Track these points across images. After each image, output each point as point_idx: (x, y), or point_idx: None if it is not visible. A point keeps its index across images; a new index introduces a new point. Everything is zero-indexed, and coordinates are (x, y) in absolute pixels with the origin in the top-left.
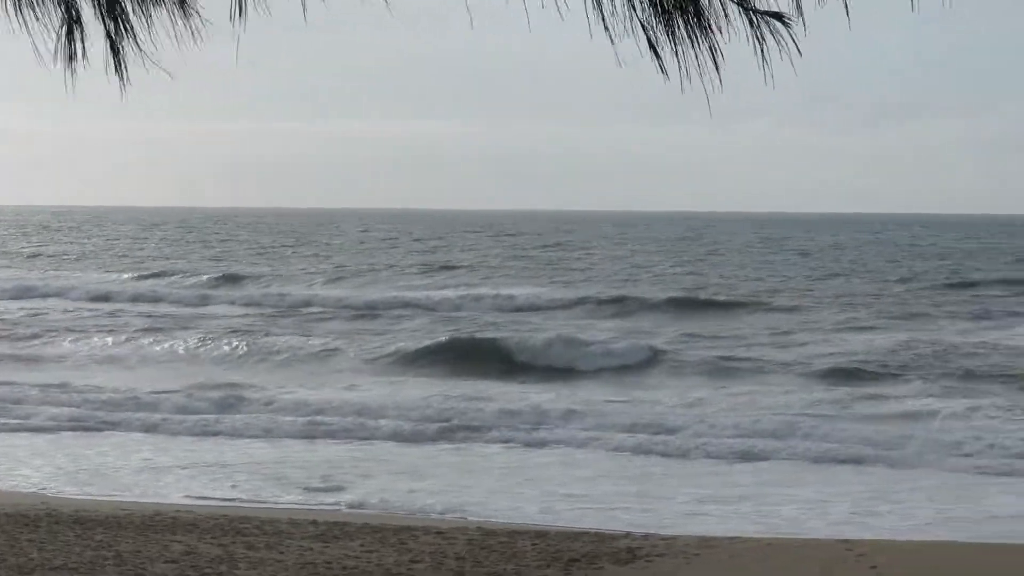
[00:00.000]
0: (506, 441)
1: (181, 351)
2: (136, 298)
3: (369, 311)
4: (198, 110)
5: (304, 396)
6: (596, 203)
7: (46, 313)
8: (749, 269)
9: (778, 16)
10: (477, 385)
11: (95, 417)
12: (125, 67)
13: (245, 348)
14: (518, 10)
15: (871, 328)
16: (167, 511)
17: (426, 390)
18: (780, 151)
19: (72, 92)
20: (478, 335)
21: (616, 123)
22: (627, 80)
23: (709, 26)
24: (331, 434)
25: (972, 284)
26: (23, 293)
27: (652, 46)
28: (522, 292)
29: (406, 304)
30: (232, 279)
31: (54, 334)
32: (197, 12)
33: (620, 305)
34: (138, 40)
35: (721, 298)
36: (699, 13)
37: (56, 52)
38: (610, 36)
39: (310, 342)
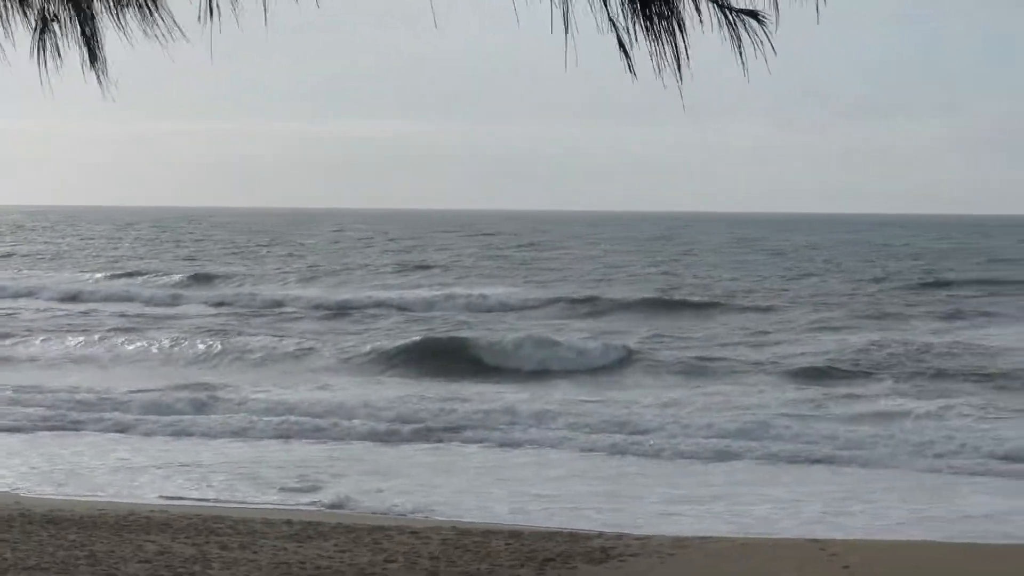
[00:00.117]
0: (480, 441)
1: (155, 351)
2: (110, 298)
3: (343, 311)
4: (172, 110)
5: (278, 396)
6: (570, 203)
7: (18, 313)
8: (723, 269)
9: (753, 14)
10: (451, 385)
11: (69, 417)
12: (101, 66)
13: (219, 348)
14: (488, 10)
15: (845, 328)
16: (141, 511)
17: (400, 390)
18: (754, 151)
19: (50, 91)
20: (452, 335)
21: (589, 123)
22: (603, 80)
23: (681, 25)
24: (305, 434)
25: (945, 284)
26: None
27: (621, 45)
28: (496, 292)
29: (380, 304)
30: (206, 279)
31: (27, 334)
32: (163, 16)
33: (594, 305)
34: (105, 41)
35: (695, 298)
36: (672, 11)
37: (33, 51)
38: (572, 35)
39: (284, 342)
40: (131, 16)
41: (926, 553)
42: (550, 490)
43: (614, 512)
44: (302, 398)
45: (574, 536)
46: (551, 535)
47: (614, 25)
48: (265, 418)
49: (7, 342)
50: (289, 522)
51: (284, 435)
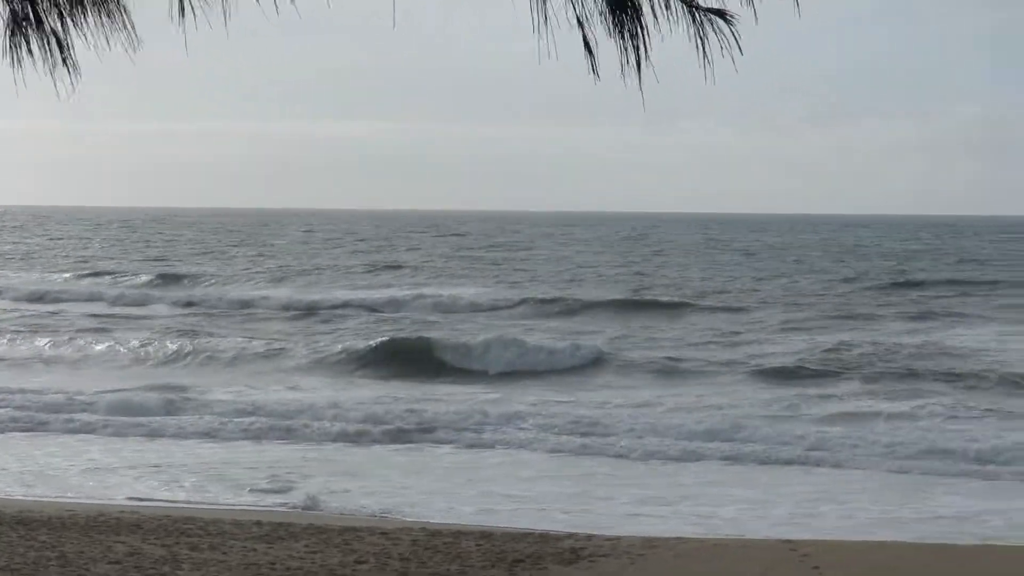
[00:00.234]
0: (450, 442)
1: (124, 352)
2: (78, 298)
3: (313, 311)
4: (141, 111)
5: (248, 397)
6: (540, 204)
7: None
8: (694, 269)
9: (721, 13)
10: (421, 386)
11: (38, 419)
12: (70, 66)
13: (190, 348)
14: (460, 11)
15: (815, 328)
16: (111, 512)
17: (371, 391)
18: (723, 152)
19: (23, 90)
20: (423, 336)
21: (559, 124)
22: (573, 80)
23: (640, 21)
24: (275, 435)
25: (916, 284)
26: None
27: (587, 45)
28: (466, 292)
29: (350, 304)
30: (175, 279)
31: None
32: (125, 20)
33: (564, 305)
34: (74, 43)
35: (666, 299)
36: (639, 10)
37: (4, 50)
38: (544, 32)
39: (254, 342)
40: (100, 17)
41: (897, 554)
42: (520, 491)
43: (584, 513)
44: (272, 399)
45: (544, 537)
46: (522, 536)
47: (581, 24)
48: (235, 419)
49: None
50: (259, 523)
51: (254, 436)
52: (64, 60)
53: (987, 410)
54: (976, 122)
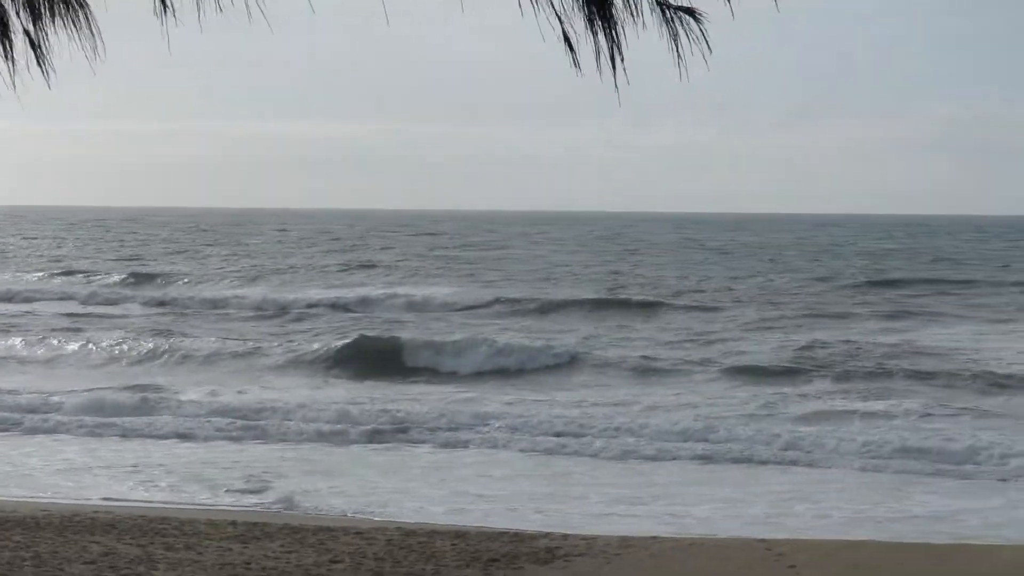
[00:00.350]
0: (425, 442)
1: (97, 351)
2: (50, 297)
3: (287, 310)
4: (116, 111)
5: (222, 396)
6: (514, 203)
7: None
8: (669, 269)
9: (690, 11)
10: (396, 386)
11: (11, 419)
12: (46, 67)
13: (164, 348)
14: (442, 10)
15: (790, 327)
16: (86, 512)
17: (346, 391)
18: (698, 152)
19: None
20: (396, 336)
21: (532, 124)
22: (547, 80)
23: (620, 21)
24: (249, 435)
25: (891, 283)
26: None
27: (566, 39)
28: (440, 292)
29: (324, 304)
30: (148, 278)
31: None
32: (92, 26)
33: (539, 305)
34: (48, 45)
35: (640, 298)
36: (611, 7)
37: None
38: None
39: (227, 342)
40: (68, 21)
41: (873, 553)
42: (495, 490)
43: (558, 512)
44: (247, 398)
45: (520, 536)
46: (497, 535)
47: (560, 20)
48: (210, 419)
49: None
50: (234, 523)
51: (228, 436)
52: (38, 61)
53: (962, 409)
54: (949, 122)
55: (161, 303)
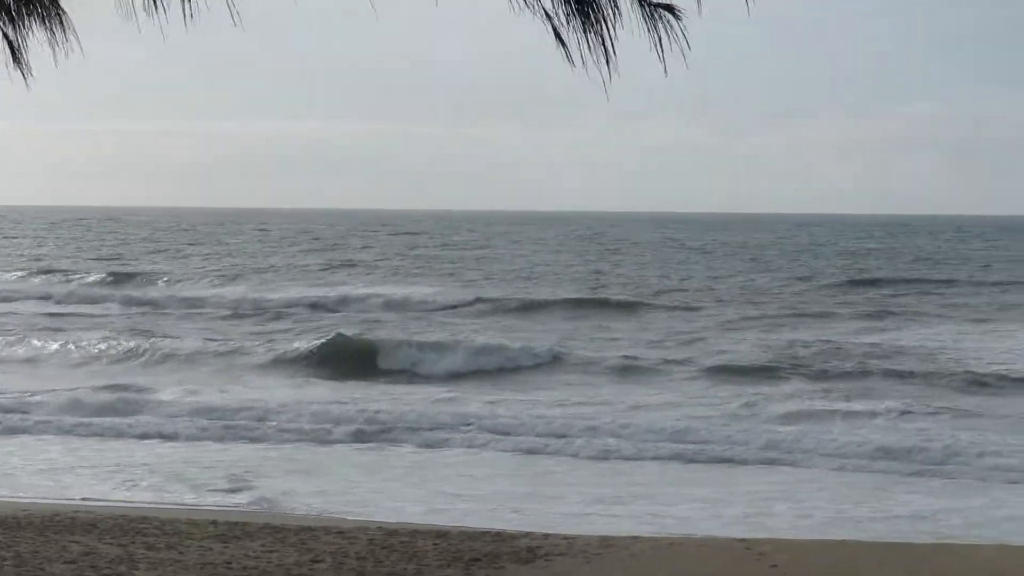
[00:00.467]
0: (407, 442)
1: (78, 351)
2: (30, 296)
3: (267, 310)
4: (97, 110)
5: (204, 396)
6: (496, 203)
7: None
8: (650, 268)
9: (669, 8)
10: (377, 386)
11: None
12: (24, 66)
13: (145, 348)
14: (427, 10)
15: (772, 327)
16: (66, 511)
17: (327, 391)
18: (675, 152)
19: None
20: (378, 335)
21: (513, 123)
22: (524, 79)
23: (601, 16)
24: (230, 435)
25: (872, 283)
26: None
27: (558, 35)
28: (421, 291)
29: (304, 303)
30: (128, 277)
31: None
32: (65, 29)
33: (520, 305)
34: (26, 45)
35: (622, 298)
36: (595, 4)
37: None
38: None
39: (208, 341)
40: (45, 22)
41: (855, 552)
42: (476, 490)
43: (539, 512)
44: (228, 398)
45: (501, 536)
46: (478, 535)
47: (549, 16)
48: (190, 418)
49: None
50: (215, 522)
51: (209, 436)
52: (16, 61)
53: (942, 408)
54: (929, 122)
55: (141, 302)
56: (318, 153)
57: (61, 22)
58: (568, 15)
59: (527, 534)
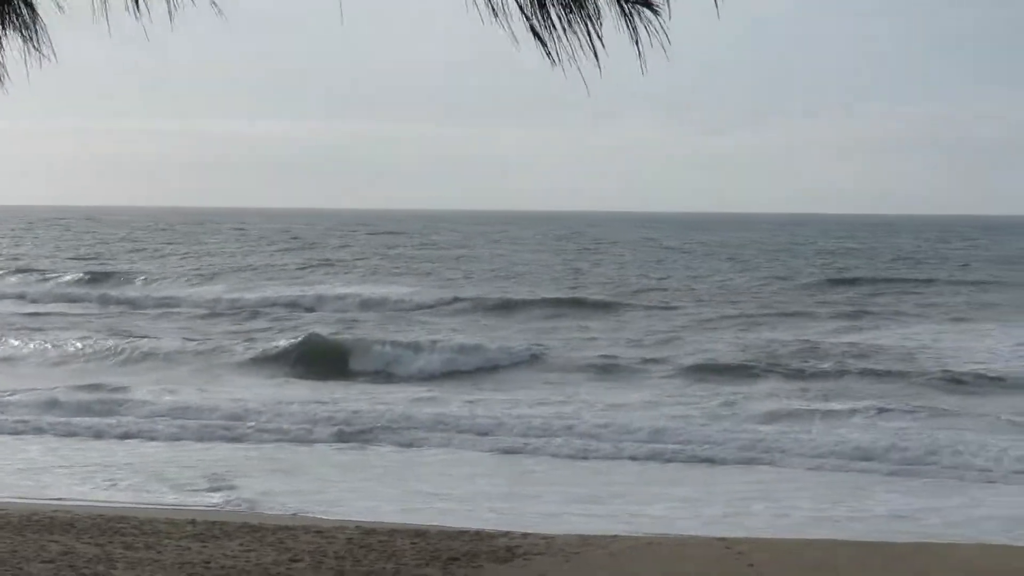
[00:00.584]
0: (386, 442)
1: (57, 351)
2: (6, 296)
3: (244, 309)
4: (74, 108)
5: (182, 396)
6: (475, 203)
7: None
8: (630, 268)
9: (647, 4)
10: (357, 386)
11: None
12: (2, 69)
13: (124, 347)
14: (400, 9)
15: (750, 326)
16: (44, 511)
17: (307, 390)
18: (660, 152)
19: None
20: (356, 336)
21: (488, 121)
22: (501, 78)
23: (587, 10)
24: (210, 434)
25: (851, 283)
26: None
27: (535, 32)
28: (400, 291)
29: (282, 303)
30: (106, 277)
31: None
32: (36, 35)
33: (500, 304)
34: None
35: (601, 297)
36: (575, 1)
37: None
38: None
39: (187, 341)
40: (16, 23)
41: (833, 552)
42: (455, 490)
43: (518, 511)
44: (206, 397)
45: (479, 535)
46: (457, 534)
47: (524, 14)
48: (168, 418)
49: None
50: (194, 522)
51: (187, 435)
52: None
53: (921, 407)
54: (911, 123)
55: (118, 301)
56: (297, 152)
57: (34, 24)
58: (546, 14)
59: (506, 533)
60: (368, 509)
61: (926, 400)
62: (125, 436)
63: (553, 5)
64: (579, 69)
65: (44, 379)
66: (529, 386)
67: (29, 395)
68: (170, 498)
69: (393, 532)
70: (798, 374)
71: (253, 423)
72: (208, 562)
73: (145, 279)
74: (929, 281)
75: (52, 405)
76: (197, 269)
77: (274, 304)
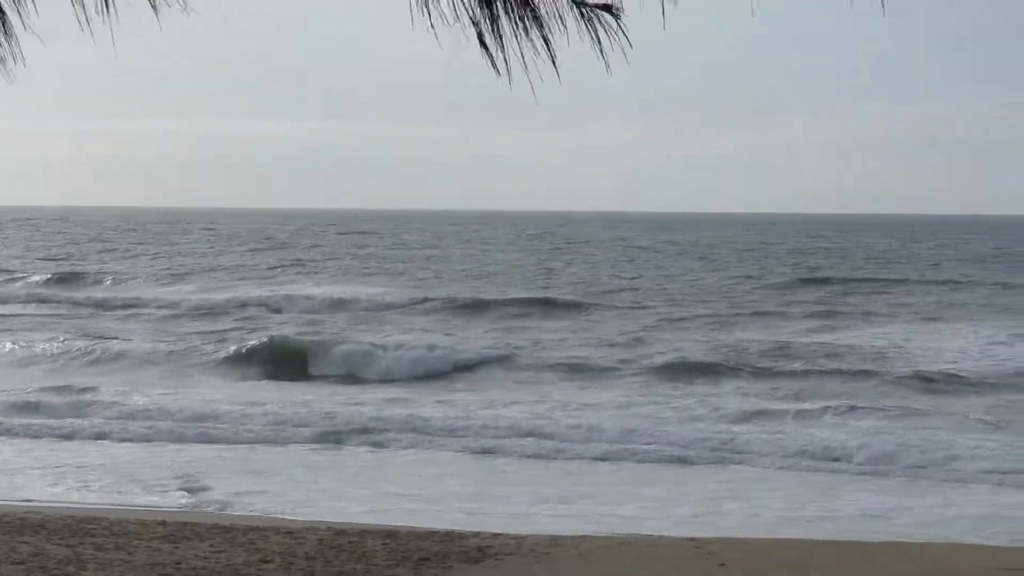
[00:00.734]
0: (357, 443)
1: (25, 352)
2: None
3: (215, 310)
4: (43, 108)
5: (153, 397)
6: (447, 203)
7: None
8: (601, 267)
9: (607, 8)
10: (328, 387)
11: None
12: None
13: (94, 348)
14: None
15: (721, 326)
16: (15, 512)
17: (278, 392)
18: (627, 152)
19: None
20: (326, 337)
21: (460, 121)
22: (472, 80)
23: (539, 18)
24: (182, 436)
25: (822, 282)
26: None
27: (481, 41)
28: (370, 291)
29: (252, 303)
30: (75, 277)
31: None
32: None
33: (470, 304)
34: None
35: (571, 297)
36: (529, 5)
37: None
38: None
39: (157, 342)
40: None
41: (805, 551)
42: (426, 491)
43: (489, 512)
44: (176, 398)
45: (450, 535)
46: (427, 535)
47: (473, 21)
48: (137, 420)
49: None
50: (164, 523)
51: (157, 437)
52: None
53: (892, 407)
54: (879, 122)
55: (88, 302)
56: (267, 153)
57: (3, 26)
58: (493, 21)
59: (476, 534)
60: (339, 510)
61: (897, 400)
62: (96, 437)
63: (507, 14)
64: (528, 80)
65: (13, 380)
66: (500, 386)
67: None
68: (141, 499)
69: (364, 533)
70: (769, 374)
71: (224, 424)
72: (179, 563)
73: (114, 279)
74: (901, 281)
75: (22, 406)
76: (168, 269)
77: (245, 304)
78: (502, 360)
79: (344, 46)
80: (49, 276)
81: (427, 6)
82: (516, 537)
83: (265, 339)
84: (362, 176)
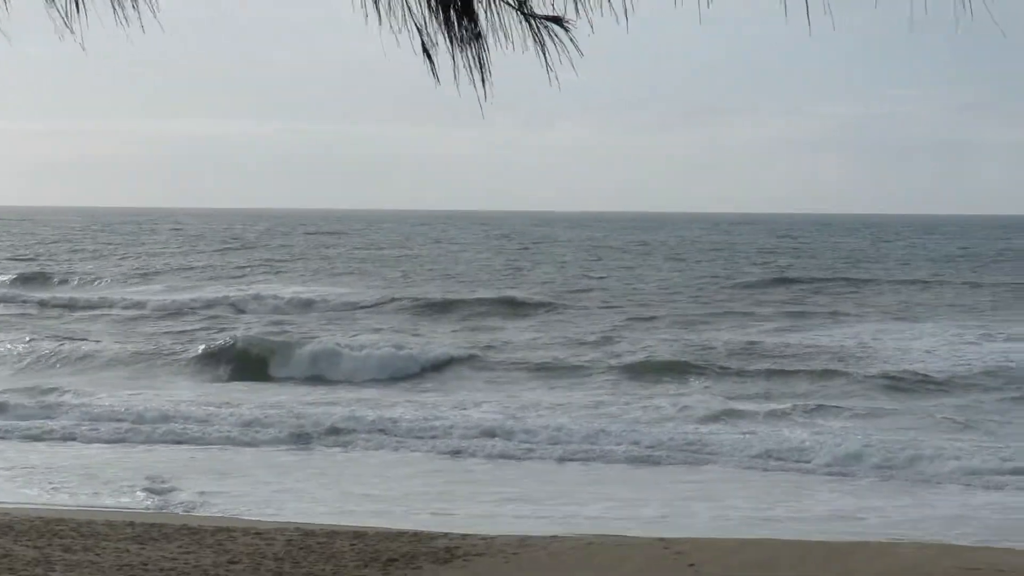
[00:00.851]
0: (326, 444)
1: None
2: None
3: (182, 310)
4: (10, 109)
5: (122, 398)
6: (413, 203)
7: None
8: (570, 267)
9: (557, 20)
10: (296, 388)
11: None
12: None
13: (61, 349)
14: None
15: (690, 326)
16: None
17: (246, 393)
18: (597, 152)
19: None
20: (294, 337)
21: (425, 124)
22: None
23: (478, 30)
24: (149, 437)
25: (791, 282)
26: None
27: (425, 49)
28: (337, 291)
29: (220, 303)
30: (41, 278)
31: None
32: None
33: (438, 304)
34: None
35: (541, 297)
36: (472, 17)
37: None
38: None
39: (123, 343)
40: None
41: (773, 551)
42: (393, 491)
43: (458, 512)
44: (143, 399)
45: (419, 536)
46: (396, 535)
47: (419, 29)
48: (108, 421)
49: None
50: (132, 524)
51: (124, 438)
52: None
53: (861, 406)
54: (844, 122)
55: (54, 303)
56: (235, 152)
57: None
58: (437, 30)
59: (445, 534)
60: (307, 511)
61: (865, 399)
62: (64, 439)
63: (447, 25)
64: (476, 92)
65: None
66: (469, 386)
67: None
68: (109, 500)
69: (332, 534)
70: (737, 373)
71: (192, 425)
72: (147, 564)
73: (80, 280)
74: (870, 281)
75: None
76: (136, 269)
77: (212, 304)
78: (471, 360)
79: (309, 45)
80: (15, 276)
81: (377, 8)
82: (485, 537)
83: (233, 339)
84: (330, 176)
